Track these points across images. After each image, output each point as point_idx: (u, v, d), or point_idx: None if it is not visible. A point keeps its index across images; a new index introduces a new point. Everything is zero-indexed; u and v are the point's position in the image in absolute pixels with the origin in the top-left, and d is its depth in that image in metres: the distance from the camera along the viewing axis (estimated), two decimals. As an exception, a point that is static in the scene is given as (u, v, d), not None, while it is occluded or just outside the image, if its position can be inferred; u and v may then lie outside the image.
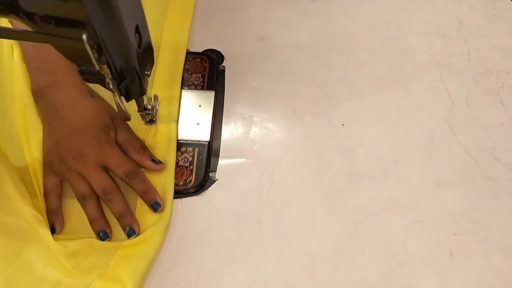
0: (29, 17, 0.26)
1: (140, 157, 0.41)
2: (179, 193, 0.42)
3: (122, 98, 0.33)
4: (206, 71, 0.49)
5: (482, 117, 0.47)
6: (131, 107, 0.38)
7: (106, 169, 0.40)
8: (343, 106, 0.47)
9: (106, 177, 0.39)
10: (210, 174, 0.43)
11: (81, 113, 0.40)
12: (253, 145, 0.45)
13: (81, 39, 0.25)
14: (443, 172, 0.44)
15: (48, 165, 0.40)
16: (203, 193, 0.42)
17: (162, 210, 0.39)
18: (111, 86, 0.30)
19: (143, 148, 0.42)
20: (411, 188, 0.43)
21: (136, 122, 0.43)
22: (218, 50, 0.51)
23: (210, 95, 0.47)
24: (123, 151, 0.41)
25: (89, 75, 0.30)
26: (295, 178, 0.43)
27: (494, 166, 0.44)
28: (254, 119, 0.47)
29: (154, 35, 0.49)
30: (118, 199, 0.39)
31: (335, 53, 0.51)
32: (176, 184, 0.42)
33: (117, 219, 0.39)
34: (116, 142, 0.41)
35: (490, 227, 0.41)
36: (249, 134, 0.46)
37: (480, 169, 0.44)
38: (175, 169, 0.43)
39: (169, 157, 0.42)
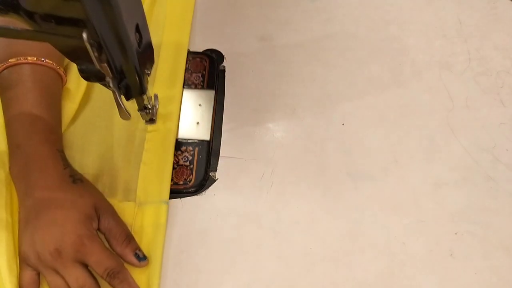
0: (29, 16, 0.26)
1: (123, 250, 0.37)
2: (179, 193, 0.42)
3: (122, 97, 0.33)
4: (206, 70, 0.49)
5: (482, 117, 0.47)
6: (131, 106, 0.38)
7: (86, 265, 0.36)
8: (343, 106, 0.47)
9: (85, 276, 0.36)
10: (210, 174, 0.43)
11: (60, 204, 0.37)
12: (253, 145, 0.45)
13: (81, 38, 0.25)
14: (443, 172, 0.44)
15: (23, 258, 0.37)
16: (203, 192, 0.42)
17: None
18: (111, 85, 0.30)
19: (128, 239, 0.38)
20: (411, 188, 0.43)
21: (123, 203, 0.41)
22: (218, 50, 0.51)
23: (210, 95, 0.47)
24: (107, 240, 0.38)
25: (89, 74, 0.30)
26: (295, 178, 0.43)
27: (494, 166, 0.44)
28: (254, 119, 0.46)
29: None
30: None
31: (335, 53, 0.51)
32: (176, 183, 0.42)
33: None
34: (100, 230, 0.38)
35: (490, 227, 0.41)
36: (249, 133, 0.46)
37: (480, 169, 0.44)
38: (175, 168, 0.42)
39: (156, 246, 0.39)
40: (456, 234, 0.41)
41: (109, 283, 0.36)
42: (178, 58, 0.48)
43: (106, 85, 0.30)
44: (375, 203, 0.42)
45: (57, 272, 0.36)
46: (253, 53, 0.51)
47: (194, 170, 0.43)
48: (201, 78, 0.48)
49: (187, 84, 0.48)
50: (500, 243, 0.41)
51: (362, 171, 0.44)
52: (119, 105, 0.33)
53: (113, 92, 0.31)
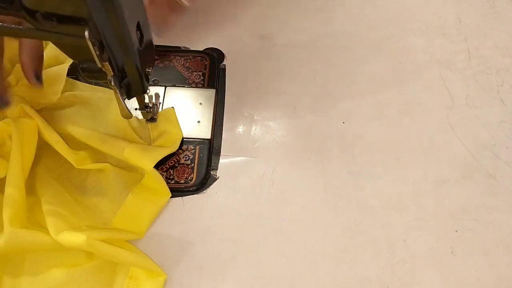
0: (30, 14, 0.26)
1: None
2: (180, 191, 0.42)
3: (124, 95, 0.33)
4: (207, 69, 0.49)
5: (482, 115, 0.47)
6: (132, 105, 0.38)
7: None
8: (343, 105, 0.48)
9: None
10: (212, 172, 0.43)
11: None
12: (254, 143, 0.45)
13: (83, 36, 0.25)
14: (444, 170, 0.44)
15: None
16: (205, 191, 0.42)
17: None
18: (112, 84, 0.30)
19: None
20: (412, 186, 0.43)
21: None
22: (219, 48, 0.51)
23: (211, 93, 0.47)
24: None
25: (90, 73, 0.30)
26: (296, 176, 0.43)
27: (494, 163, 0.45)
28: (255, 117, 0.47)
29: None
30: None
31: (335, 52, 0.51)
32: (177, 182, 0.42)
33: None
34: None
35: (491, 225, 0.41)
36: (250, 132, 0.46)
37: (481, 166, 0.44)
38: (177, 167, 0.43)
39: None
40: (456, 231, 0.41)
41: None
42: None
43: (108, 84, 0.31)
44: (375, 201, 0.42)
45: None
46: (253, 52, 0.51)
47: (195, 168, 0.43)
48: (201, 77, 0.48)
49: (188, 83, 0.48)
50: (501, 240, 0.41)
51: (363, 169, 0.44)
52: (120, 104, 0.33)
53: (115, 90, 0.31)
